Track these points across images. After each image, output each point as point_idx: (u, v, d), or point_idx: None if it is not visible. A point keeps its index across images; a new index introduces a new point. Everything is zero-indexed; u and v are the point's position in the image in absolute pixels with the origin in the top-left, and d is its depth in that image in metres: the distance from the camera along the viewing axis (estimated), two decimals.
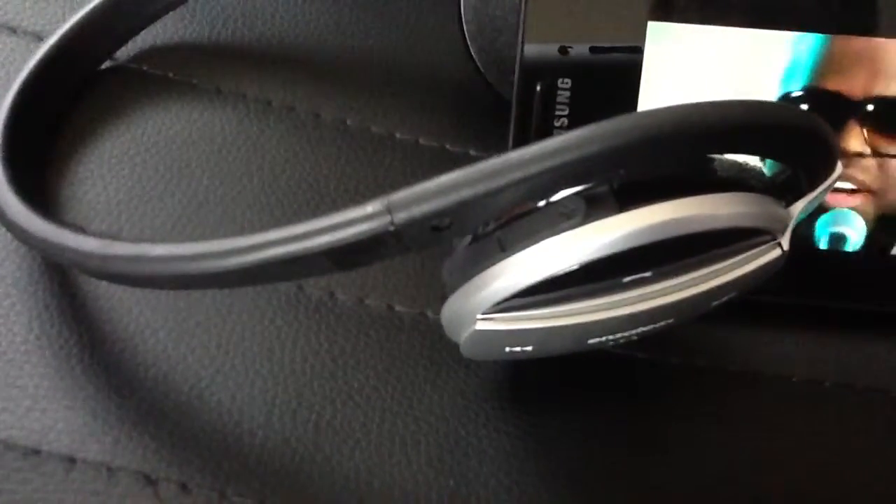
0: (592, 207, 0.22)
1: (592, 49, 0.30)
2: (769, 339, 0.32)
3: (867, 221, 0.31)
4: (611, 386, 0.31)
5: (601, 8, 0.30)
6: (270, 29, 0.38)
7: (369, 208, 0.22)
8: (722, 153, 0.24)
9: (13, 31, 0.37)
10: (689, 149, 0.22)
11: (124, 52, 0.37)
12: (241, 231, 0.32)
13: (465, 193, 0.22)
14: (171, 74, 0.37)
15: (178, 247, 0.24)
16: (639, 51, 0.30)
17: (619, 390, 0.31)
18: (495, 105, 0.35)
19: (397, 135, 0.36)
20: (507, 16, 0.34)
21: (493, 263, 0.23)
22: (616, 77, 0.30)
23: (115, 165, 0.34)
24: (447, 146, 0.36)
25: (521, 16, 0.31)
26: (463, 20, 0.35)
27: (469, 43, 0.35)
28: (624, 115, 0.21)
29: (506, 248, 0.23)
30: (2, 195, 0.28)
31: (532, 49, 0.31)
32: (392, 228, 0.22)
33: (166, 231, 0.33)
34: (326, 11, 0.39)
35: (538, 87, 0.31)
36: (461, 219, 0.22)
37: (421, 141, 0.36)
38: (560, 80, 0.31)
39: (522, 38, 0.31)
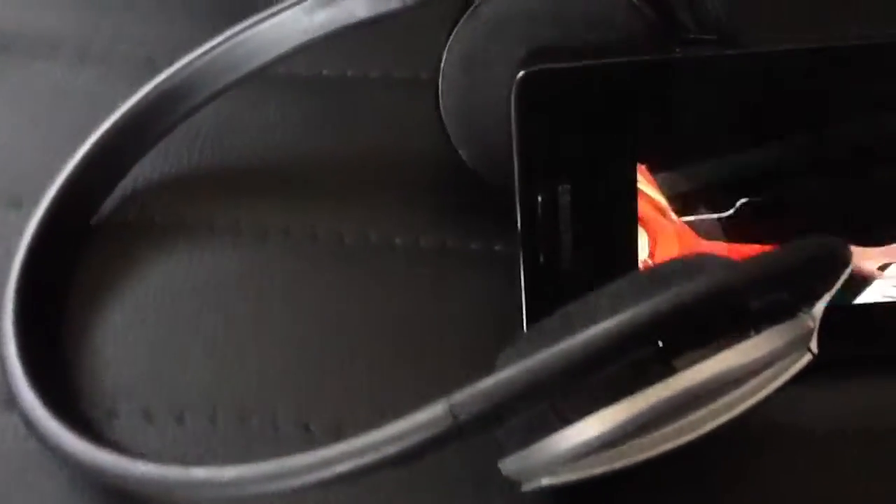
0: (642, 373, 0.23)
1: (586, 153, 0.30)
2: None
3: None
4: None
5: (591, 113, 0.30)
6: (248, 149, 0.38)
7: (433, 412, 0.23)
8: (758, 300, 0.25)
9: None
10: (726, 311, 0.23)
11: (105, 207, 0.36)
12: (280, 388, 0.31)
13: (527, 390, 0.22)
14: (157, 218, 0.36)
15: (251, 468, 0.24)
16: (633, 149, 0.30)
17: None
18: (485, 193, 0.34)
19: (396, 240, 0.36)
20: (487, 106, 0.33)
21: (553, 433, 0.24)
22: (614, 176, 0.30)
23: (128, 333, 0.33)
24: (448, 243, 0.36)
25: (514, 133, 0.31)
26: (442, 113, 0.34)
27: (451, 136, 0.35)
28: (665, 292, 0.22)
29: (564, 418, 0.24)
30: (41, 419, 0.28)
31: (528, 161, 0.31)
32: (457, 430, 0.23)
33: (202, 401, 0.31)
34: (299, 123, 0.39)
35: (539, 199, 0.32)
36: (519, 410, 0.23)
37: (421, 242, 0.36)
38: (560, 188, 0.32)
39: (517, 152, 0.31)
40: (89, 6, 0.43)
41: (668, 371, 0.23)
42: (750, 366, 0.23)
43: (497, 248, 0.36)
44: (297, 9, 0.34)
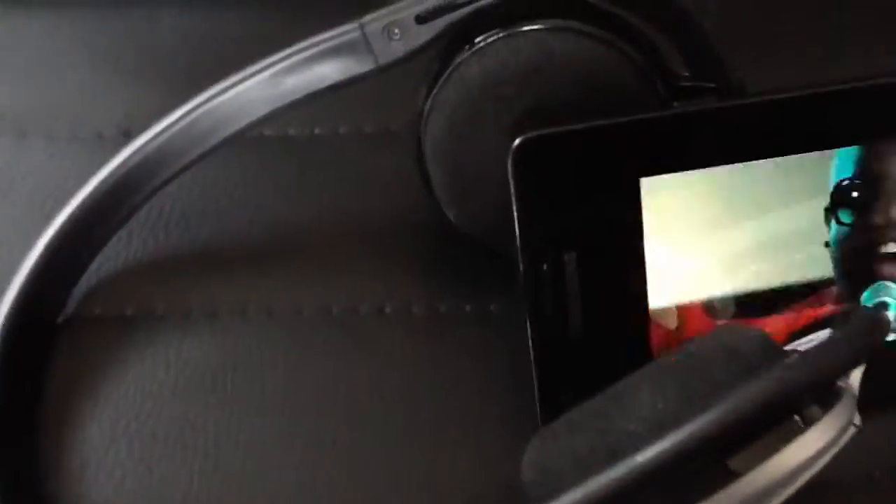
0: (700, 478, 0.22)
1: (589, 217, 0.29)
2: None
3: None
4: None
5: (591, 176, 0.28)
6: (216, 223, 0.36)
7: None
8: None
9: None
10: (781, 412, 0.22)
11: (70, 302, 0.33)
12: None
13: None
14: (128, 311, 0.33)
15: None
16: (636, 208, 0.29)
17: None
18: (473, 252, 0.33)
19: (386, 309, 0.34)
20: (477, 169, 0.31)
21: None
22: (619, 238, 0.29)
23: (108, 449, 0.30)
24: (441, 308, 0.34)
25: (514, 203, 0.29)
26: (429, 175, 0.32)
27: (437, 197, 0.32)
28: (719, 404, 0.21)
29: None
30: None
31: (530, 231, 0.29)
32: None
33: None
34: (269, 188, 0.37)
35: (545, 267, 0.30)
36: None
37: (413, 310, 0.34)
38: (565, 256, 0.30)
39: (519, 222, 0.29)
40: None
41: (727, 476, 0.22)
42: (808, 461, 0.22)
43: (492, 307, 0.34)
44: (264, 75, 0.32)
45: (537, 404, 0.30)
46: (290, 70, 0.32)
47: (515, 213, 0.29)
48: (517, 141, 0.29)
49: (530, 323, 0.30)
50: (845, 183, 0.30)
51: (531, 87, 0.30)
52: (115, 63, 0.39)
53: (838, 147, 0.29)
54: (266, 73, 0.32)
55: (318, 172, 0.37)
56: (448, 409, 0.32)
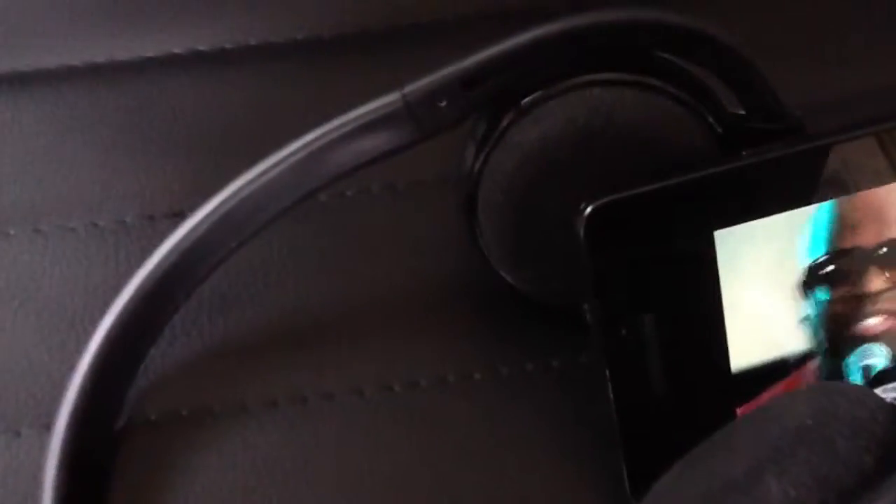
0: None
1: (666, 277, 0.28)
2: None
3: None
4: None
5: (665, 235, 0.28)
6: (260, 310, 0.33)
7: None
8: None
9: None
10: None
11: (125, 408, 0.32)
12: None
13: None
14: (184, 412, 0.32)
15: None
16: (713, 263, 0.28)
17: None
18: (525, 308, 0.32)
19: (449, 378, 0.32)
20: (538, 230, 0.30)
21: None
22: (697, 295, 0.28)
23: None
24: (503, 371, 0.32)
25: (589, 271, 0.28)
26: (481, 236, 0.31)
27: (492, 259, 0.31)
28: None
29: None
30: None
31: (607, 297, 0.28)
32: None
33: None
34: (305, 260, 0.34)
35: (623, 332, 0.29)
36: None
37: (475, 376, 0.33)
38: (644, 318, 0.29)
39: (595, 290, 0.28)
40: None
41: None
42: None
43: (555, 363, 0.33)
44: (301, 155, 0.30)
45: (624, 472, 0.29)
46: (329, 148, 0.30)
47: (592, 282, 0.29)
48: (588, 210, 0.28)
49: (613, 391, 0.29)
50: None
51: (593, 150, 0.28)
52: (130, 139, 0.37)
53: None
54: (304, 153, 0.30)
55: (354, 238, 0.35)
56: (530, 474, 0.31)
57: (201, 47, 0.39)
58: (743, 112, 0.30)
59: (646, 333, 0.29)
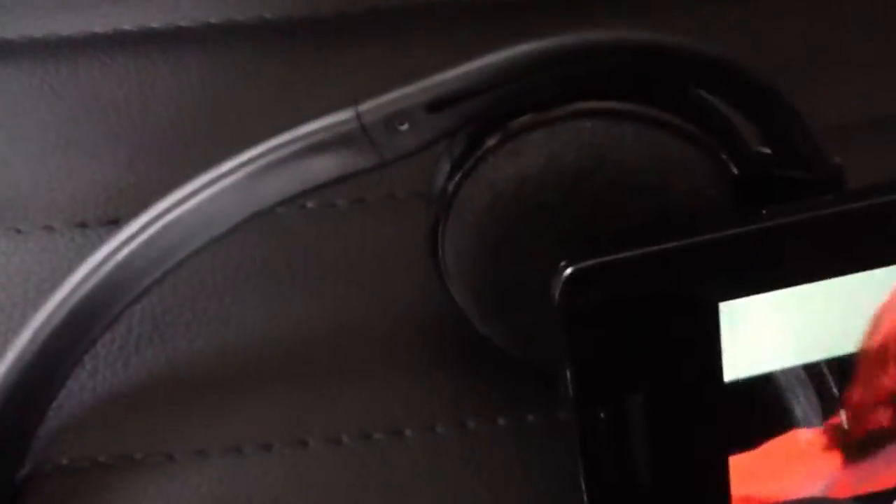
0: None
1: (658, 353, 0.23)
2: None
3: None
4: None
5: (660, 305, 0.23)
6: (196, 344, 0.29)
7: None
8: None
9: None
10: None
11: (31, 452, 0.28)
12: None
13: None
14: (101, 458, 0.27)
15: None
16: (715, 339, 0.23)
17: None
18: (500, 357, 0.28)
19: (405, 431, 0.29)
20: (505, 282, 0.25)
21: None
22: (695, 376, 0.23)
23: None
24: (470, 425, 0.28)
25: (564, 342, 0.23)
26: (451, 284, 0.27)
27: (459, 303, 0.27)
28: None
29: None
30: None
31: (585, 373, 0.24)
32: None
33: None
34: (251, 292, 0.30)
35: (602, 414, 0.25)
36: None
37: (438, 429, 0.30)
38: (628, 399, 0.25)
39: (571, 363, 0.23)
40: None
41: None
42: None
43: (530, 418, 0.29)
44: (240, 175, 0.25)
45: None
46: (274, 167, 0.26)
47: (566, 354, 0.24)
48: (567, 271, 0.23)
49: (585, 479, 0.25)
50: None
51: (580, 195, 0.24)
52: (63, 131, 0.32)
53: None
54: (243, 172, 0.25)
55: (311, 258, 0.31)
56: None
57: (154, 24, 0.34)
58: (768, 152, 0.26)
59: (629, 417, 0.24)
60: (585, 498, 0.25)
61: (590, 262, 0.23)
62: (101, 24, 0.34)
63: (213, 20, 0.35)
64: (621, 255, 0.23)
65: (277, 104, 0.34)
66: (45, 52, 0.34)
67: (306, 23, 0.35)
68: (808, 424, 0.25)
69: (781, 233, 0.23)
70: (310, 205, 0.32)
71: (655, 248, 0.23)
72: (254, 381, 0.29)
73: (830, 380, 0.25)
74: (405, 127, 0.25)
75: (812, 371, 0.25)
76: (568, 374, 0.24)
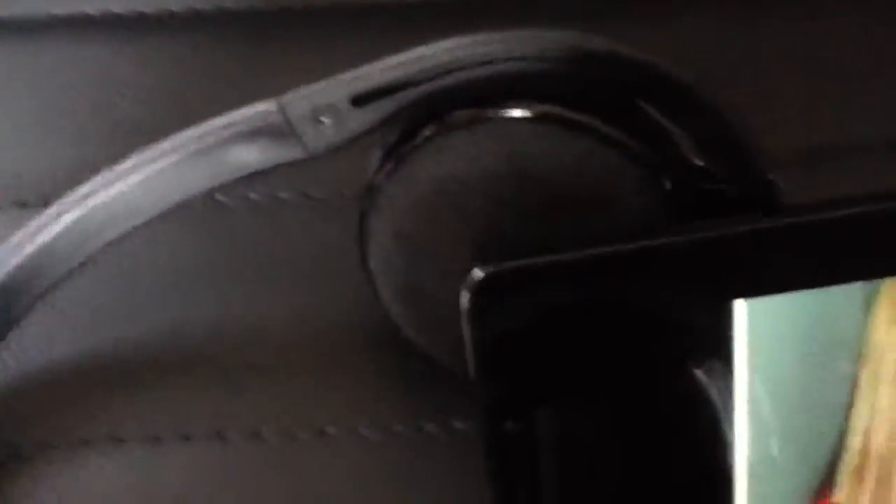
0: None
1: (572, 362, 0.22)
2: None
3: None
4: None
5: (575, 315, 0.22)
6: (117, 335, 0.28)
7: None
8: None
9: None
10: None
11: None
12: None
13: None
14: (20, 444, 0.27)
15: None
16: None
17: None
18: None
19: (329, 431, 0.28)
20: (426, 283, 0.25)
21: None
22: (605, 389, 0.22)
23: None
24: (396, 428, 0.28)
25: (472, 350, 0.22)
26: (375, 281, 0.26)
27: (391, 314, 0.26)
28: None
29: None
30: None
31: (494, 384, 0.23)
32: None
33: None
34: (178, 283, 0.29)
35: (509, 425, 0.24)
36: None
37: (361, 430, 0.29)
38: (539, 413, 0.24)
39: (478, 374, 0.22)
40: None
41: None
42: None
43: (458, 425, 0.28)
44: (162, 164, 0.25)
45: None
46: (196, 157, 0.25)
47: (472, 360, 0.24)
48: (477, 275, 0.22)
49: (494, 495, 0.25)
50: None
51: (499, 198, 0.23)
52: (13, 110, 0.32)
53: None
54: (165, 162, 0.25)
55: (252, 253, 0.30)
56: None
57: (115, 9, 0.34)
58: (703, 165, 0.25)
59: (539, 430, 0.24)
60: None
61: (501, 268, 0.22)
62: (62, 6, 0.35)
63: (174, 8, 0.35)
64: (534, 262, 0.22)
65: (236, 93, 0.33)
66: (3, 32, 0.34)
67: (269, 12, 0.35)
68: None
69: (698, 248, 0.22)
70: (253, 196, 0.32)
71: (570, 256, 0.22)
72: (178, 372, 0.29)
73: None
74: (329, 120, 0.25)
75: None
76: (476, 382, 0.24)
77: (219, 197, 0.31)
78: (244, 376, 0.29)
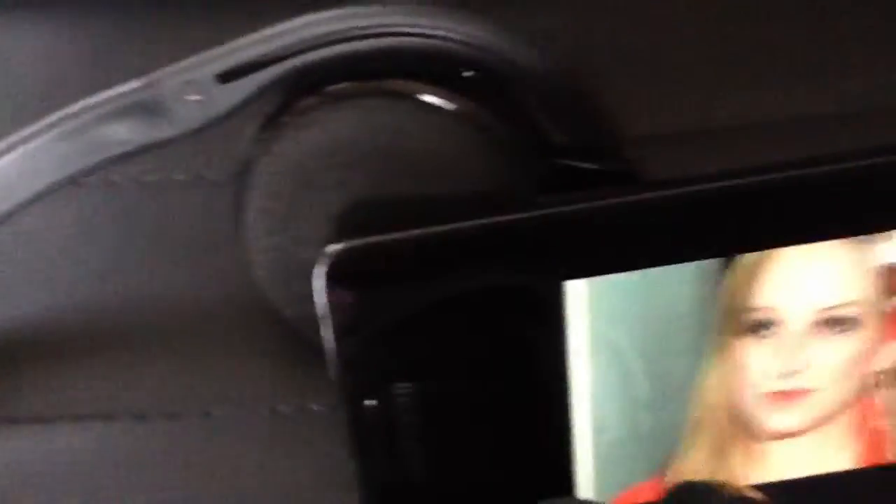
0: None
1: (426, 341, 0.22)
2: None
3: None
4: None
5: (427, 292, 0.22)
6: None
7: None
8: None
9: None
10: None
11: None
12: None
13: None
14: None
15: None
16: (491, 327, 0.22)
17: None
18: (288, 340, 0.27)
19: (214, 412, 0.28)
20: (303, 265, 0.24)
21: None
22: (463, 366, 0.22)
23: None
24: (280, 408, 0.28)
25: (328, 327, 0.22)
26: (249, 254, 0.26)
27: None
28: None
29: None
30: None
31: (351, 360, 0.22)
32: None
33: None
34: (40, 263, 0.29)
35: (374, 403, 0.24)
36: None
37: (246, 411, 0.28)
38: (397, 388, 0.24)
39: (336, 351, 0.22)
40: None
41: None
42: None
43: (314, 407, 0.28)
44: (34, 144, 0.25)
45: None
46: (70, 136, 0.25)
47: (328, 337, 0.23)
48: (329, 251, 0.23)
49: (359, 479, 0.24)
50: None
51: (362, 174, 0.23)
52: None
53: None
54: (37, 142, 0.25)
55: (142, 232, 0.30)
56: None
57: None
58: (563, 142, 0.25)
59: (400, 406, 0.24)
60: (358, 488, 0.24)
61: (352, 244, 0.22)
62: None
63: None
64: (387, 238, 0.22)
65: (108, 73, 0.32)
66: None
67: None
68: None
69: (552, 222, 0.22)
70: (149, 178, 0.32)
71: (424, 231, 0.22)
72: (64, 353, 0.29)
73: None
74: (197, 97, 0.25)
75: None
76: (334, 360, 0.24)
77: (113, 178, 0.32)
78: (129, 358, 0.29)
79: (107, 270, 0.30)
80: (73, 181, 0.27)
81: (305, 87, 0.24)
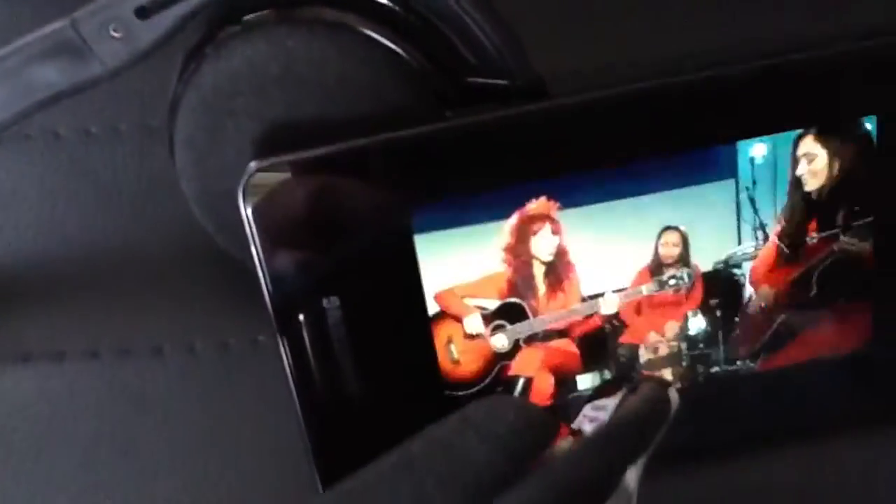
0: None
1: (350, 256, 0.23)
2: None
3: None
4: None
5: (349, 206, 0.23)
6: None
7: None
8: None
9: None
10: None
11: None
12: None
13: None
14: None
15: None
16: (409, 242, 0.23)
17: None
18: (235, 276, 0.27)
19: (165, 348, 0.29)
20: (222, 182, 0.25)
21: None
22: (390, 278, 0.23)
23: None
24: (197, 346, 0.29)
25: (254, 244, 0.23)
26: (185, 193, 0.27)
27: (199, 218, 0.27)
28: None
29: None
30: None
31: (279, 276, 0.24)
32: None
33: None
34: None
35: (301, 317, 0.25)
36: None
37: (196, 347, 0.29)
38: (325, 300, 0.26)
39: (263, 268, 0.23)
40: None
41: None
42: None
43: (261, 339, 0.29)
44: None
45: (315, 472, 0.25)
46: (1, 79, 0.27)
47: (256, 255, 0.24)
48: (249, 168, 0.23)
49: (294, 385, 0.25)
50: None
51: (275, 97, 0.24)
52: None
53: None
54: None
55: (90, 180, 0.31)
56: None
57: None
58: (471, 60, 0.25)
59: (328, 318, 0.25)
60: (297, 407, 0.25)
61: (271, 161, 0.23)
62: None
63: None
64: (305, 154, 0.23)
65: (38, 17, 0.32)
66: None
67: None
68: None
69: (463, 135, 0.23)
70: (94, 129, 0.33)
71: (334, 148, 0.23)
72: (17, 295, 0.30)
73: None
74: (120, 34, 0.25)
75: None
76: (261, 277, 0.24)
77: (58, 130, 0.33)
78: (82, 298, 0.30)
79: (56, 217, 0.31)
80: (6, 128, 0.28)
81: (225, 18, 0.25)
